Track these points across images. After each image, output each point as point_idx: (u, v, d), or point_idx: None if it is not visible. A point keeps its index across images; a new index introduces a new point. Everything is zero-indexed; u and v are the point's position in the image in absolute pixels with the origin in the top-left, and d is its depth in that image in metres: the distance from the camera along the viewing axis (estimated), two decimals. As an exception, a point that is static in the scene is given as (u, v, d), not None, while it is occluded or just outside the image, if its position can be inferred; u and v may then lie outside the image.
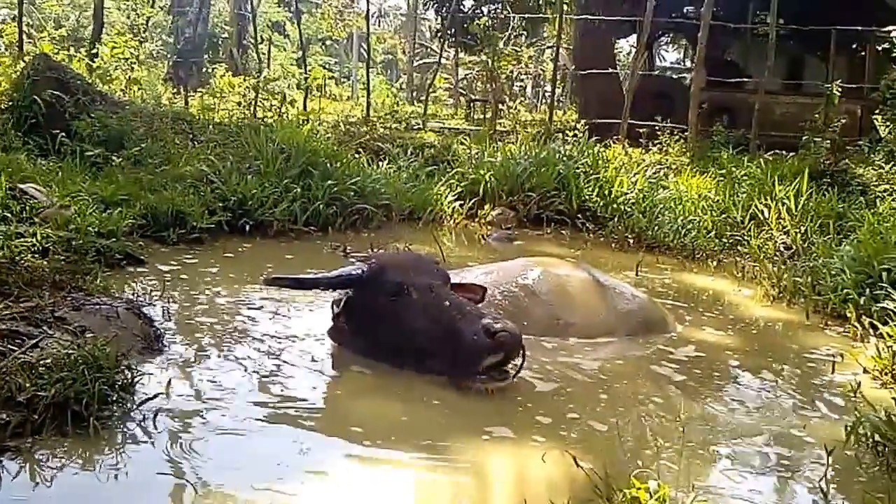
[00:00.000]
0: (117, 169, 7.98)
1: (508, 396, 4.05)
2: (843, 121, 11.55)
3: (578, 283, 5.40)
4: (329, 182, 8.60)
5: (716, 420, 4.04)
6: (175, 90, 16.69)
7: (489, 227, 9.75)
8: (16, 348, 3.49)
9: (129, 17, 17.16)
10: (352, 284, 4.37)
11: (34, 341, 3.59)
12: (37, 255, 5.11)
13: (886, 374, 4.82)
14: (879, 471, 3.50)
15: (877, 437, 3.63)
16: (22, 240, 5.21)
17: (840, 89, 12.04)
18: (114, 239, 6.05)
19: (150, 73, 15.99)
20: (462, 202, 10.00)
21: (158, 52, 25.60)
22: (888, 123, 11.86)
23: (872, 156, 11.34)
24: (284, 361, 4.37)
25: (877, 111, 12.72)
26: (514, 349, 3.98)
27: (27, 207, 5.92)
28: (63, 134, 8.54)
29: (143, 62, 15.88)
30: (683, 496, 2.76)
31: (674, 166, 11.79)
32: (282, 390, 4.01)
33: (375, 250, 7.24)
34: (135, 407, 3.47)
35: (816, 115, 11.70)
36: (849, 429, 3.68)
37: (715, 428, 3.93)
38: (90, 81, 10.54)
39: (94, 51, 13.53)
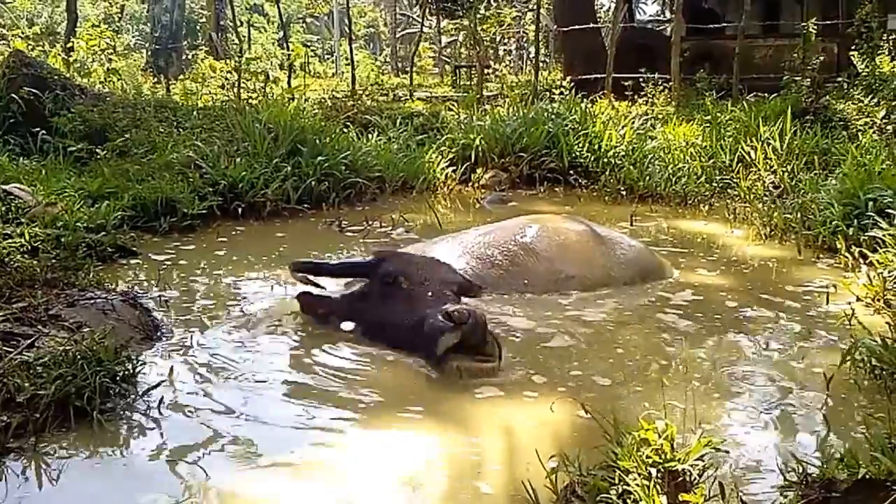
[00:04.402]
0: (102, 162, 7.92)
1: (514, 354, 4.04)
2: (821, 59, 11.60)
3: (576, 236, 5.43)
4: (319, 158, 8.51)
5: (718, 359, 4.07)
6: (156, 79, 16.52)
7: (483, 191, 9.77)
8: (11, 350, 3.47)
9: (101, 9, 16.96)
10: (361, 272, 4.54)
11: (29, 341, 3.57)
12: (26, 255, 5.08)
13: (878, 300, 4.89)
14: (879, 394, 3.55)
15: (874, 361, 3.67)
16: (10, 241, 5.18)
17: (816, 28, 12.07)
18: (104, 232, 6.02)
19: (128, 63, 15.77)
20: (454, 168, 9.99)
21: (136, 42, 25.32)
22: (864, 58, 11.83)
23: (851, 91, 11.39)
24: (286, 341, 4.37)
25: (853, 47, 12.68)
26: (472, 329, 3.73)
27: (12, 208, 5.88)
28: (44, 131, 8.48)
29: (121, 53, 15.70)
30: (690, 434, 2.78)
31: (660, 116, 11.89)
32: (284, 369, 4.01)
33: (370, 222, 7.30)
34: (138, 397, 3.46)
35: (795, 56, 11.75)
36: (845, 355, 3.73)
37: (718, 366, 3.96)
38: (68, 76, 10.42)
39: (70, 45, 13.37)
